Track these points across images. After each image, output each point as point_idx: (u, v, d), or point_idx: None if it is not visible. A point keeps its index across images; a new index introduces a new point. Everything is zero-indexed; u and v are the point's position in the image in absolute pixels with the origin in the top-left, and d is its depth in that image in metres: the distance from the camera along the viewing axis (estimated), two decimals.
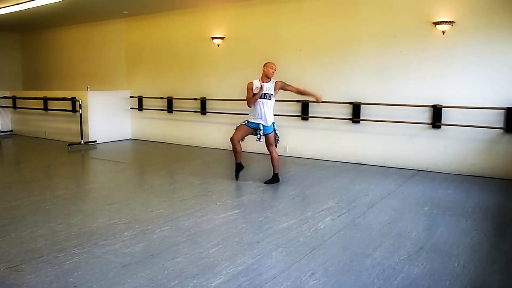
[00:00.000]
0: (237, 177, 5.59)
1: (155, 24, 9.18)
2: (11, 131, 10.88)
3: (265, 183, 5.42)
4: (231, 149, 5.55)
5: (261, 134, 5.32)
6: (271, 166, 5.48)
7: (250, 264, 3.04)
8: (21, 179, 6.11)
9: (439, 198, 4.85)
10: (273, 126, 5.39)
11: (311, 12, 7.07)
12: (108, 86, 10.09)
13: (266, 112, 5.26)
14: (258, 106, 5.26)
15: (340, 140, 6.96)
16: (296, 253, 3.24)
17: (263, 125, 5.29)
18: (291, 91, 5.38)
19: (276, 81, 5.31)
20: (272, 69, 5.25)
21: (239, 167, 5.58)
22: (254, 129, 5.36)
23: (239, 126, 5.45)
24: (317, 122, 7.14)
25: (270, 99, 5.28)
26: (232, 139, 5.39)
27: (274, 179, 5.45)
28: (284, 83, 5.33)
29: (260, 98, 5.23)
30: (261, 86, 5.24)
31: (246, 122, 5.40)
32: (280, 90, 5.37)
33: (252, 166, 6.37)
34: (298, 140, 7.33)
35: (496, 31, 5.61)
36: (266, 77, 5.28)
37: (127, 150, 8.73)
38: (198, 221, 4.00)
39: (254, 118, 5.33)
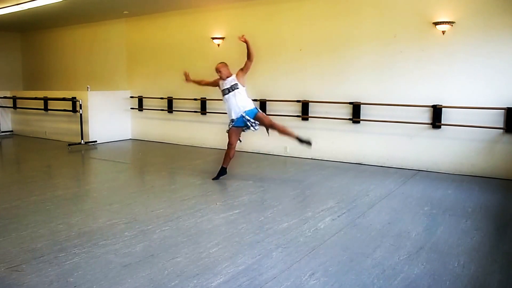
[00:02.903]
0: (216, 179, 5.67)
1: (155, 24, 9.19)
2: (12, 131, 10.89)
3: (300, 141, 5.45)
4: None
5: (251, 124, 5.38)
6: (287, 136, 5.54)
7: (250, 264, 3.04)
8: (22, 179, 6.11)
9: (439, 198, 4.85)
10: (256, 109, 5.46)
11: (311, 12, 7.07)
12: (108, 86, 10.10)
13: (238, 102, 5.37)
14: (229, 99, 5.42)
15: (340, 140, 6.96)
16: (296, 253, 3.24)
17: (245, 113, 5.36)
18: (247, 66, 5.43)
19: (236, 73, 5.45)
20: (216, 70, 5.49)
21: (223, 172, 5.68)
22: (242, 126, 5.45)
23: (228, 131, 5.53)
24: (317, 122, 7.15)
25: (238, 88, 5.39)
26: (230, 144, 5.51)
27: (301, 141, 5.44)
28: (240, 69, 5.44)
29: (229, 91, 5.41)
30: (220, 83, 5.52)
31: (230, 125, 5.49)
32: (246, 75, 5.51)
33: (253, 166, 6.37)
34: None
35: (496, 31, 5.62)
36: (221, 78, 5.50)
37: (127, 150, 8.74)
38: (198, 221, 4.00)
39: (233, 115, 5.43)
